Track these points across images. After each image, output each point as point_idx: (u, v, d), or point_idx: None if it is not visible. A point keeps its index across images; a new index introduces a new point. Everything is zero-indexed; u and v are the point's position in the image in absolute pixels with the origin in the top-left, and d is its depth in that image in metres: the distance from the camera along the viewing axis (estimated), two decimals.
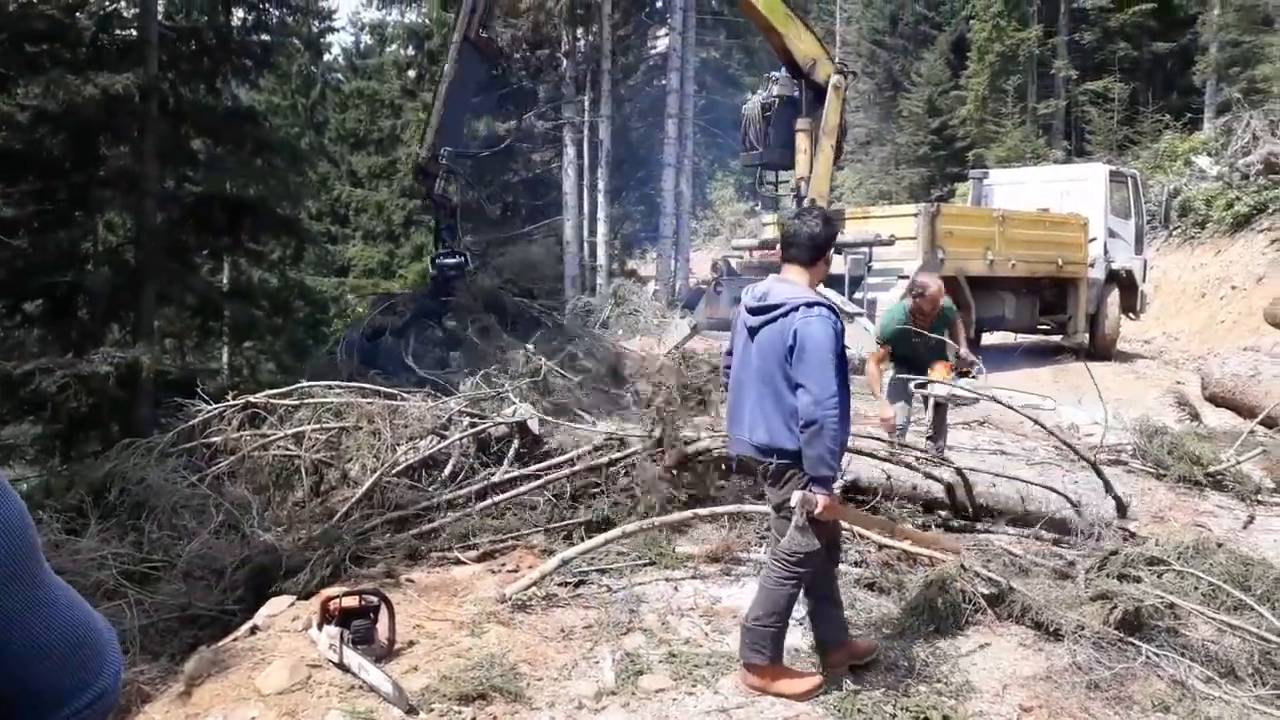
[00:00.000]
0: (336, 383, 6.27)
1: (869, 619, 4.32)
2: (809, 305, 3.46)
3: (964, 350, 6.74)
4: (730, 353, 3.87)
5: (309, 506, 5.14)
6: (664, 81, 22.19)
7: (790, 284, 3.63)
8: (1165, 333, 18.10)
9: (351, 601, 3.77)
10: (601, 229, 21.95)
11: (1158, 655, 3.83)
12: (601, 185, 21.84)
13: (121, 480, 5.21)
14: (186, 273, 13.04)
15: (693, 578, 4.80)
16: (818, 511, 3.40)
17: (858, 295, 11.89)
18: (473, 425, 5.65)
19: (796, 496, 3.40)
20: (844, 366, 3.49)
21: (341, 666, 3.61)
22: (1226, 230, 19.32)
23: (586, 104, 21.94)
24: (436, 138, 11.53)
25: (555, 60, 22.27)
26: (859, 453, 5.85)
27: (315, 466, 5.45)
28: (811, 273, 3.67)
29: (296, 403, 5.97)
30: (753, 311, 3.62)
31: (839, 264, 12.10)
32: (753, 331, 3.60)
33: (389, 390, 6.26)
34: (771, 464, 3.56)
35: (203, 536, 4.75)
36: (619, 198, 24.83)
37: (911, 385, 6.60)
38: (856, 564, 4.75)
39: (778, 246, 13.22)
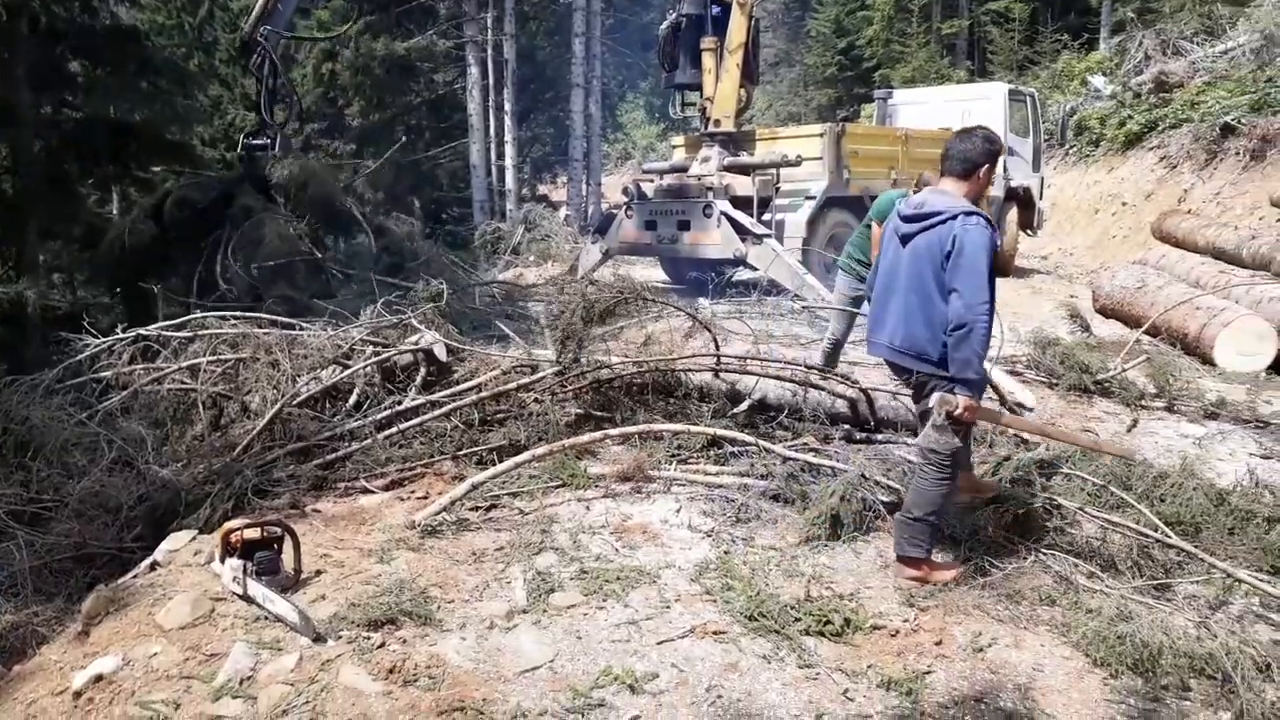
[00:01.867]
0: (231, 313, 6.06)
1: (775, 529, 4.43)
2: (968, 214, 3.63)
3: None
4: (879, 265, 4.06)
5: (208, 440, 4.99)
6: None
7: (948, 195, 3.79)
8: (1061, 248, 18.71)
9: (254, 533, 3.70)
10: (509, 152, 21.46)
11: (1046, 554, 4.04)
12: (508, 107, 21.28)
13: (5, 419, 4.97)
14: (70, 203, 12.36)
15: (604, 497, 4.85)
16: (958, 413, 3.60)
17: (766, 216, 11.93)
18: (376, 354, 5.55)
19: (935, 398, 3.64)
20: (994, 279, 3.66)
21: (246, 598, 3.56)
22: (1119, 148, 19.91)
23: (489, 22, 21.26)
24: (261, 17, 11.50)
25: None
26: (766, 376, 5.95)
27: (213, 400, 5.29)
28: (968, 185, 3.83)
29: (190, 335, 5.75)
30: (908, 220, 3.81)
31: (747, 185, 12.12)
32: (906, 239, 3.79)
33: (287, 320, 6.08)
34: (910, 367, 3.79)
35: (95, 474, 4.59)
36: (527, 120, 24.29)
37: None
38: (763, 476, 4.84)
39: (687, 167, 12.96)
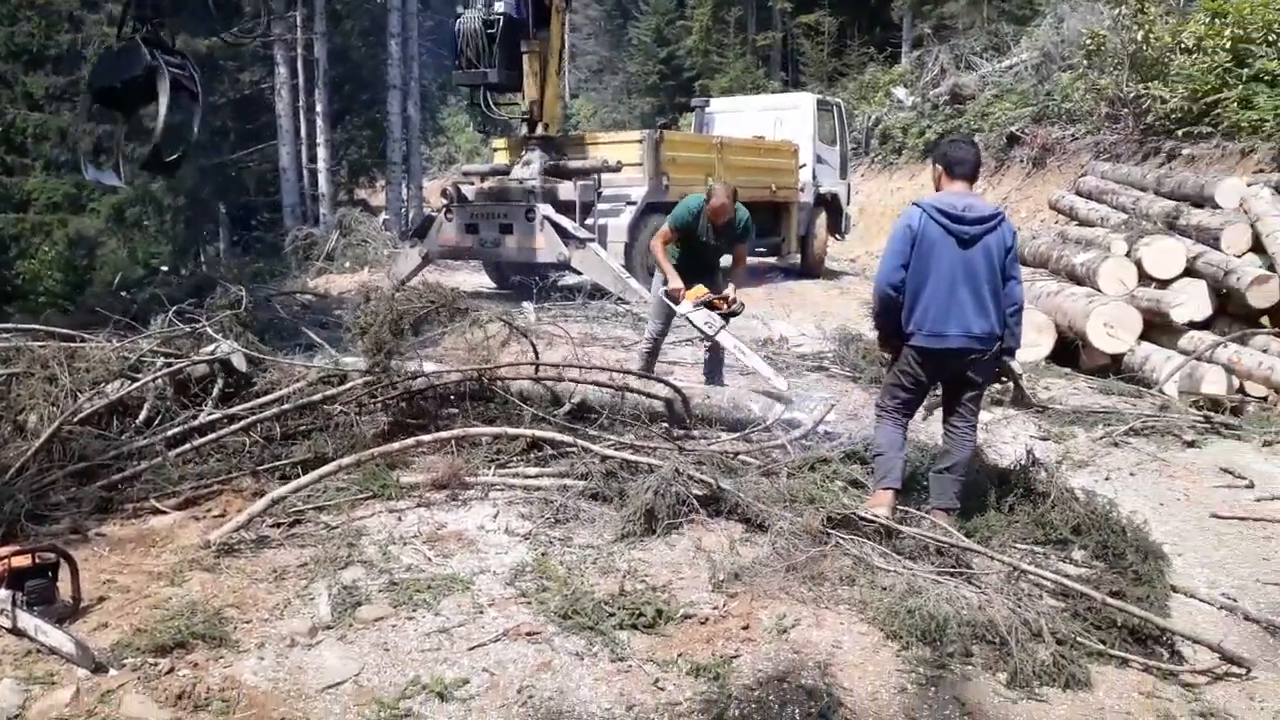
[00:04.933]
0: (3, 325, 5.56)
1: (593, 528, 4.45)
2: (1003, 214, 4.39)
3: (731, 290, 6.78)
4: (905, 265, 4.31)
5: None
6: None
7: (976, 197, 4.43)
8: (868, 251, 19.70)
9: (23, 560, 3.40)
10: (322, 155, 20.65)
11: (845, 540, 4.18)
12: (319, 108, 20.47)
13: None
14: None
15: (418, 506, 4.73)
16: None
17: (588, 221, 12.00)
18: (168, 365, 5.20)
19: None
20: None
21: (16, 631, 3.27)
22: (919, 156, 21.21)
23: (299, 20, 20.46)
24: None
25: None
26: (584, 382, 5.97)
27: None
28: (973, 187, 4.47)
29: None
30: (968, 223, 4.25)
31: (569, 190, 12.16)
32: (970, 240, 4.24)
33: (65, 331, 5.62)
34: (985, 349, 4.31)
35: None
36: (341, 122, 23.45)
37: (661, 293, 6.76)
38: (582, 476, 4.84)
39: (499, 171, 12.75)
